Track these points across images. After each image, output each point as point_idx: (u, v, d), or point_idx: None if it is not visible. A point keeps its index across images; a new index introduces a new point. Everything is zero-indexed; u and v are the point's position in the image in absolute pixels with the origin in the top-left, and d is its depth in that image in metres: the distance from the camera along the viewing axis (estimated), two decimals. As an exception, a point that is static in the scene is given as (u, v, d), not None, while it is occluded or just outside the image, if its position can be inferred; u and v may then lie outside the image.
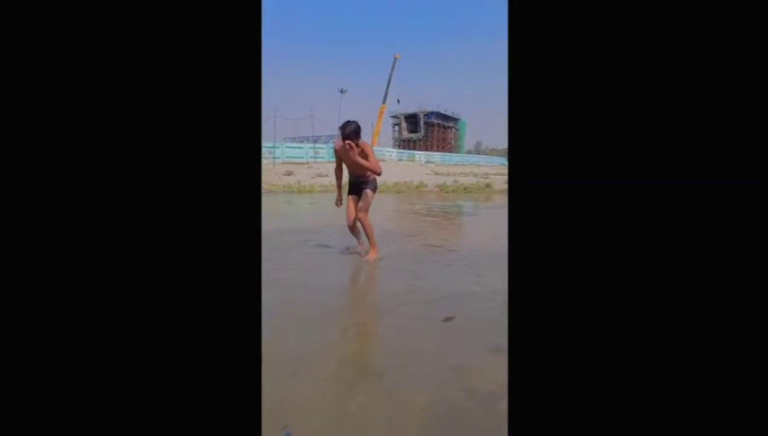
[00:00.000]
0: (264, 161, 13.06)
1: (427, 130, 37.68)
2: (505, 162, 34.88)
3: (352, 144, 2.40)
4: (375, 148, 22.88)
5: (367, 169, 2.53)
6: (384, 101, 33.61)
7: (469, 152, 45.00)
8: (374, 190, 2.68)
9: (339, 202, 2.79)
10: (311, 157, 17.52)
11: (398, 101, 35.03)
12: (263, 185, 9.53)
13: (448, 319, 1.63)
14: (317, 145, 18.48)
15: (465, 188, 11.21)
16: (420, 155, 24.79)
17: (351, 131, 2.39)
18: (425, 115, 37.44)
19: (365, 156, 2.50)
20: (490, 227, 4.44)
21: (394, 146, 33.48)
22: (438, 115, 38.66)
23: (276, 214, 5.18)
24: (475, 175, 15.51)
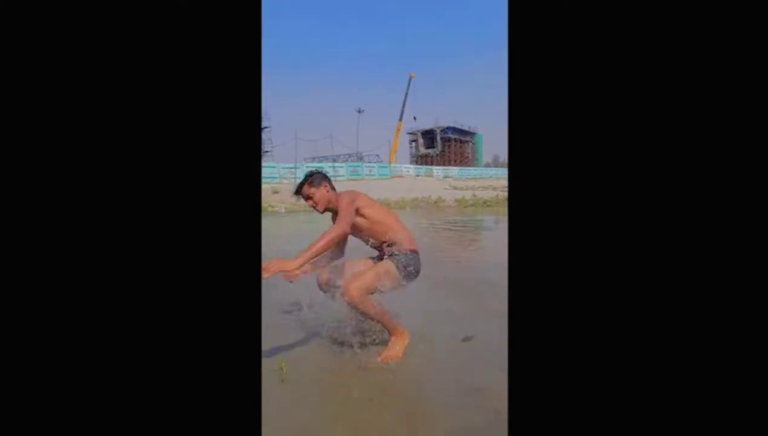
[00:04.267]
0: (285, 182, 13.37)
1: (444, 145, 37.72)
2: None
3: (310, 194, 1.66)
4: (393, 164, 23.13)
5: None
6: (400, 119, 34.07)
7: (487, 166, 44.60)
8: (402, 268, 1.53)
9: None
10: (331, 175, 17.96)
11: (414, 118, 35.37)
12: (281, 207, 9.72)
13: (467, 339, 1.63)
14: (336, 164, 19.10)
15: (484, 202, 11.12)
16: (437, 170, 24.76)
17: (300, 184, 1.70)
18: (441, 130, 37.55)
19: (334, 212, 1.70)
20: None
21: (411, 162, 33.64)
22: (454, 130, 38.69)
23: (285, 236, 5.27)
24: (494, 188, 15.35)
